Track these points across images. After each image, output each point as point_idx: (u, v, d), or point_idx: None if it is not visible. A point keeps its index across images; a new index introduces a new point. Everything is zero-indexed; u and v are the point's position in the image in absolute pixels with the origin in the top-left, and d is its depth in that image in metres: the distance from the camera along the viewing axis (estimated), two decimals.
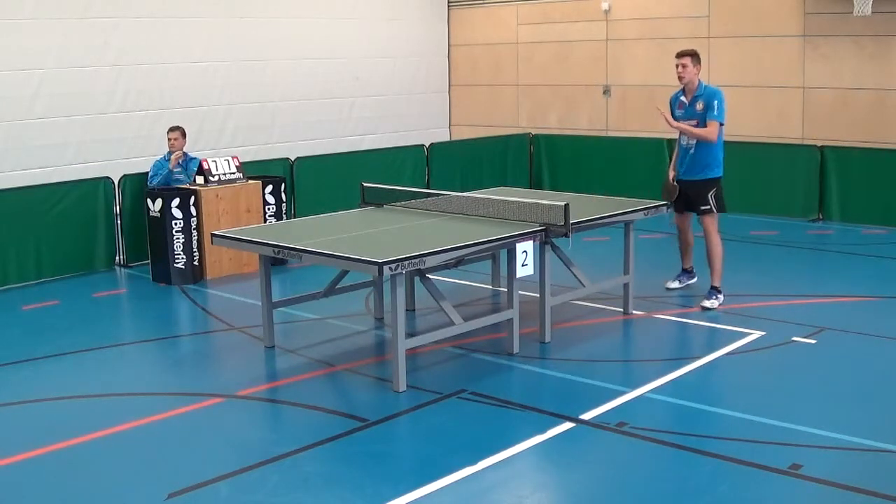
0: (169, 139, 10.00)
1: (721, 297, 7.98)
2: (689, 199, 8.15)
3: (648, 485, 4.79)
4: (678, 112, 8.12)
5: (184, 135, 10.09)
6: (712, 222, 8.04)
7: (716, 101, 7.84)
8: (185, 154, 10.14)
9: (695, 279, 8.60)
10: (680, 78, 7.98)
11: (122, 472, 5.05)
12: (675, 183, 8.21)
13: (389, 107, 14.45)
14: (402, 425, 5.66)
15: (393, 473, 4.98)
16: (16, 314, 8.34)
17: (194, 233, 9.35)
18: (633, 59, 13.43)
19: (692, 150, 8.02)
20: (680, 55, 7.97)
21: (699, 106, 7.93)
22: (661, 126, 8.78)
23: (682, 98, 8.11)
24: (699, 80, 7.99)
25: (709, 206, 8.01)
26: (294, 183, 11.15)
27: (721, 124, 7.90)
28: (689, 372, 6.40)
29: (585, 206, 7.63)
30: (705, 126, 7.88)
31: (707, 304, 7.92)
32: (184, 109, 11.68)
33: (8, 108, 10.31)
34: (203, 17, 12.00)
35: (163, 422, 5.74)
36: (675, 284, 8.55)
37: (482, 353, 6.89)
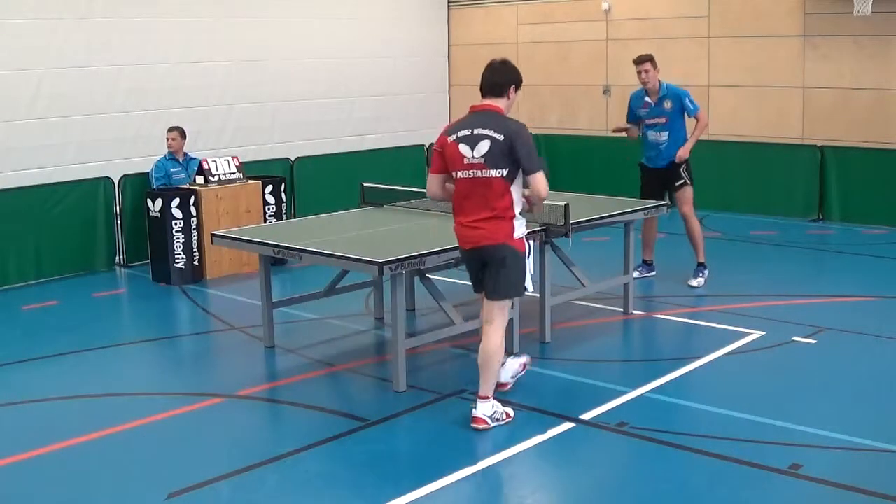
0: (167, 139, 10.02)
1: (706, 272, 8.63)
2: (663, 184, 8.63)
3: (648, 485, 4.79)
4: (642, 111, 8.64)
5: (183, 135, 10.10)
6: (687, 201, 8.57)
7: (687, 99, 8.50)
8: (185, 154, 10.15)
9: (653, 273, 8.98)
10: (645, 83, 8.54)
11: (122, 472, 5.05)
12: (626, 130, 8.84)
13: (389, 107, 14.43)
14: (402, 425, 5.67)
15: (393, 473, 4.98)
16: (16, 314, 8.35)
17: (194, 233, 9.35)
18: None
19: (664, 145, 8.57)
20: (641, 62, 8.52)
21: (667, 104, 8.51)
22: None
23: (647, 98, 8.60)
24: (660, 81, 8.55)
25: (683, 179, 8.54)
26: (294, 183, 11.16)
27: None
28: (689, 372, 6.40)
29: (585, 206, 7.63)
30: (682, 120, 8.54)
31: (694, 282, 8.57)
32: (184, 109, 11.67)
33: (8, 108, 10.30)
34: (203, 17, 11.99)
35: (163, 422, 5.74)
36: (635, 275, 8.68)
37: None
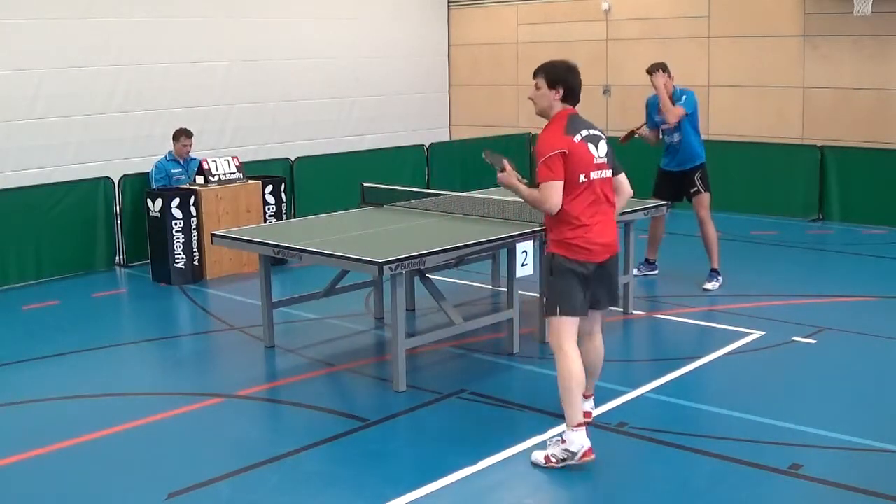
0: (184, 145, 9.97)
1: (720, 278, 8.54)
2: (677, 188, 8.66)
3: (648, 485, 4.79)
4: (657, 118, 8.66)
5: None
6: (703, 206, 8.57)
7: (684, 97, 8.46)
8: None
9: (655, 272, 9.01)
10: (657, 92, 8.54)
11: (122, 472, 5.05)
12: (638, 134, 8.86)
13: (389, 107, 14.44)
14: (402, 425, 5.66)
15: (393, 473, 4.98)
16: (16, 314, 8.34)
17: (194, 233, 9.34)
18: (633, 59, 13.40)
19: (677, 144, 8.60)
20: (652, 72, 8.52)
21: None
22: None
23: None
24: (675, 87, 8.55)
25: (696, 188, 8.56)
26: (294, 183, 11.15)
27: (686, 114, 8.43)
28: (689, 372, 6.40)
29: None
30: (690, 125, 8.53)
31: (708, 286, 8.48)
32: (184, 109, 11.68)
33: (8, 108, 10.31)
34: (203, 17, 12.00)
35: (163, 422, 5.74)
36: (635, 272, 8.65)
37: (482, 353, 6.89)
